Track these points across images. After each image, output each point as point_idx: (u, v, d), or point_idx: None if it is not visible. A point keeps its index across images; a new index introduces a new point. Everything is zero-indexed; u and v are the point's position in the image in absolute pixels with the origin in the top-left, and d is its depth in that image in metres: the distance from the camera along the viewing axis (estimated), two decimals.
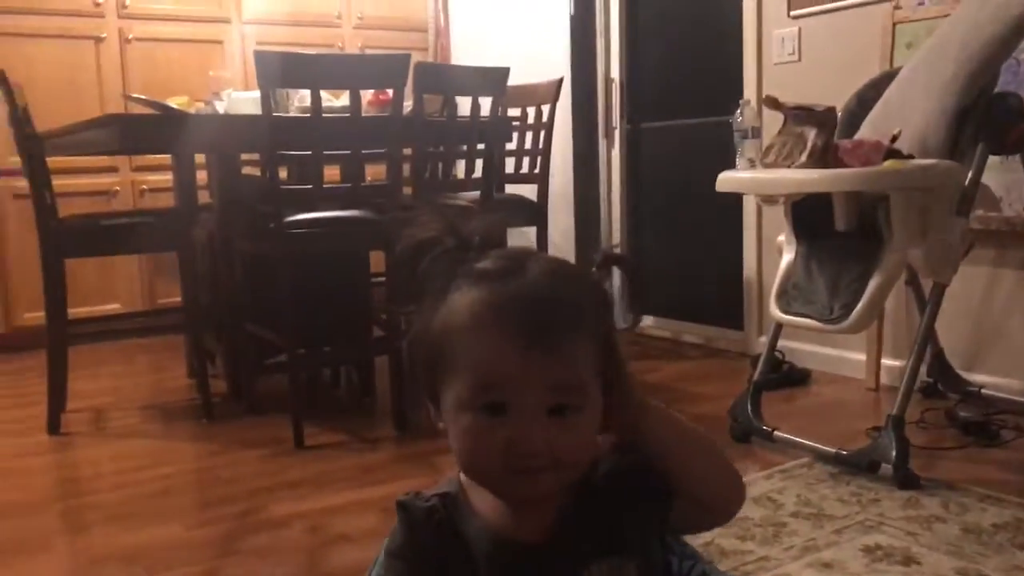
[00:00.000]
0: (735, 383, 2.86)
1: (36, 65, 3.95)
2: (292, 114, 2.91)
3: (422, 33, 5.01)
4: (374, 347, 3.17)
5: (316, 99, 2.51)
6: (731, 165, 2.60)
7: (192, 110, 3.22)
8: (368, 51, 4.82)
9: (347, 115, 2.61)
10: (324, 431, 2.74)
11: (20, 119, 2.80)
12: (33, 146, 2.83)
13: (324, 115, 2.56)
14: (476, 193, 3.07)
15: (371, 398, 3.17)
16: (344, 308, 3.08)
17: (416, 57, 4.80)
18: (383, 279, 3.14)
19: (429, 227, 0.79)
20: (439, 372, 0.73)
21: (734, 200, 3.42)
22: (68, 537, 2.15)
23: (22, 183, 3.35)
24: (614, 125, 4.22)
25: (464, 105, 2.90)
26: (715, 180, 2.48)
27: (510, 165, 3.63)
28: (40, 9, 4.11)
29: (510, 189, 3.67)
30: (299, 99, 3.01)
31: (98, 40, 4.24)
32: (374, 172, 3.28)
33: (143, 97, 3.23)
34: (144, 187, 4.27)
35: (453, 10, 5.06)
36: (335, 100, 2.96)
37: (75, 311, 3.06)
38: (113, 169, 4.21)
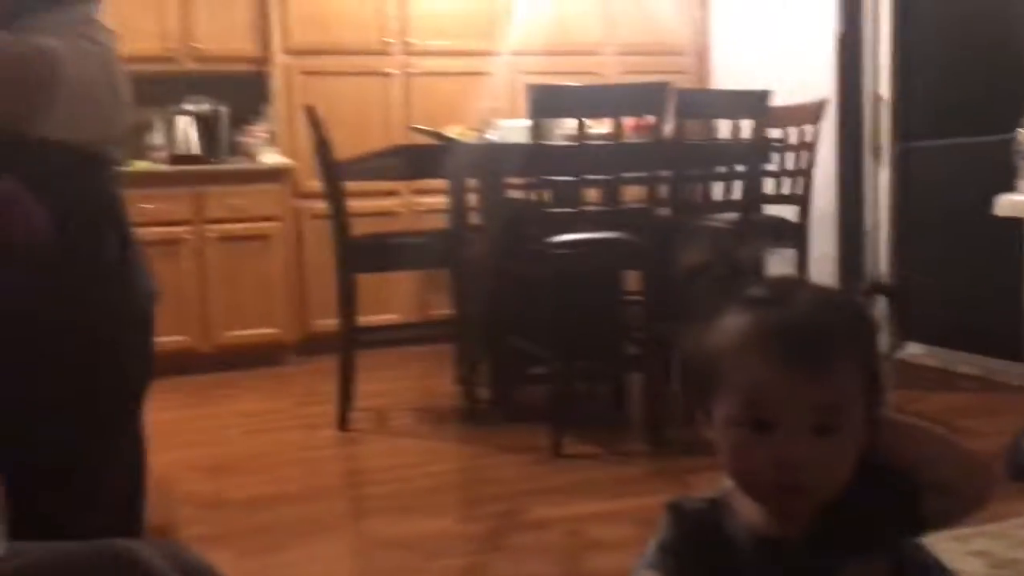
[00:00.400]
0: (1015, 419, 2.68)
1: (334, 100, 4.42)
2: (557, 141, 3.08)
3: (683, 57, 5.07)
4: (630, 363, 3.26)
5: (581, 128, 2.65)
6: (1012, 187, 2.45)
7: (467, 139, 3.50)
8: (629, 77, 4.94)
9: (610, 142, 2.73)
10: (580, 442, 2.87)
11: (324, 149, 3.18)
12: (333, 173, 3.20)
13: (588, 142, 2.70)
14: (734, 215, 3.10)
15: (624, 413, 3.27)
16: (600, 324, 3.21)
17: (677, 81, 4.89)
18: (637, 297, 3.24)
19: (702, 252, 0.87)
20: (710, 388, 0.81)
21: (1014, 224, 3.19)
22: (353, 522, 2.42)
23: (319, 205, 3.78)
24: (883, 145, 4.06)
25: (725, 128, 2.94)
26: (993, 203, 2.36)
27: (771, 186, 3.61)
28: (340, 49, 4.60)
29: (771, 210, 3.64)
30: (563, 126, 3.18)
31: (386, 76, 4.69)
32: (632, 194, 3.39)
33: (425, 128, 3.54)
34: (421, 208, 4.64)
35: (714, 33, 5.09)
36: (596, 127, 3.10)
37: (358, 320, 3.40)
38: (395, 193, 4.62)
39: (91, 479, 1.18)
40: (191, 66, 4.49)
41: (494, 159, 2.98)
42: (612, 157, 2.72)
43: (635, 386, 3.22)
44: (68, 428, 1.13)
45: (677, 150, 2.87)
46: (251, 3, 4.54)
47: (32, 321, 1.09)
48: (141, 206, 3.93)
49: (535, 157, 2.73)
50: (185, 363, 4.15)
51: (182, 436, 3.15)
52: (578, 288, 3.04)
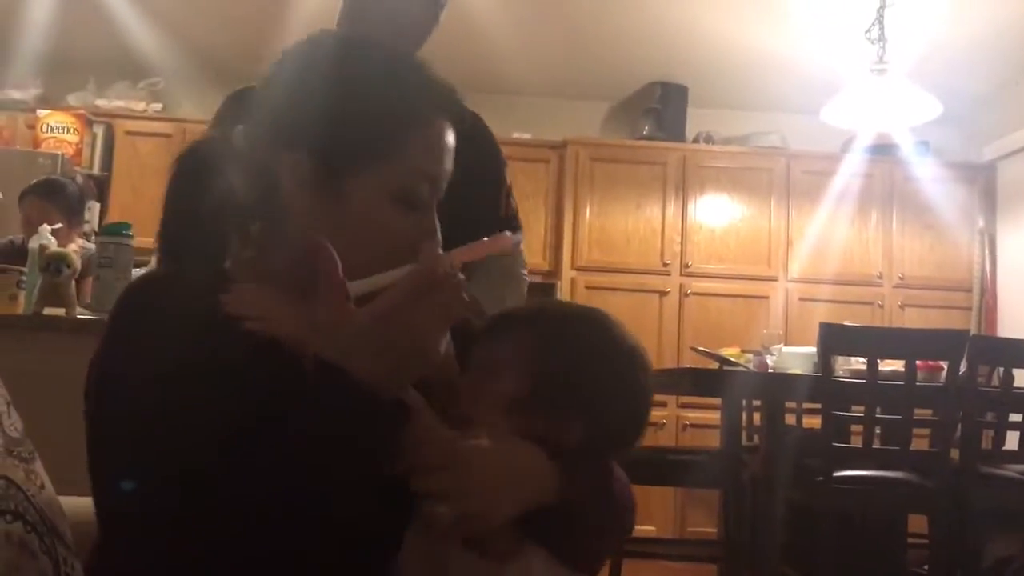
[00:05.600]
0: None
1: (612, 312, 4.70)
2: (841, 374, 3.14)
3: (966, 292, 4.99)
4: None
5: (873, 367, 2.72)
6: None
7: (742, 360, 3.63)
8: (908, 308, 4.93)
9: (900, 383, 2.76)
10: None
11: None
12: None
13: (880, 382, 2.75)
14: None
15: None
16: (879, 565, 3.11)
17: (958, 316, 4.82)
18: (921, 541, 3.13)
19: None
20: None
21: None
22: None
23: None
24: None
25: (1022, 376, 2.89)
26: None
27: None
28: (621, 268, 4.97)
29: None
30: (845, 361, 3.23)
31: (663, 294, 4.97)
32: (920, 433, 3.34)
33: (705, 350, 3.72)
34: (687, 422, 4.76)
35: (1001, 270, 4.98)
36: (885, 364, 3.14)
37: None
38: (663, 404, 4.78)
39: None
40: None
41: (780, 388, 3.08)
42: (903, 397, 2.75)
43: None
44: None
45: (969, 395, 2.84)
46: (549, 226, 5.07)
47: None
48: None
49: (823, 390, 2.81)
50: None
51: None
52: (859, 524, 3.00)
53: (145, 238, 2.30)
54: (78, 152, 4.57)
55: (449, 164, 0.96)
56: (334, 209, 0.91)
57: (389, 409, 0.80)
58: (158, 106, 4.99)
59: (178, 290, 0.91)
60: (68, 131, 4.59)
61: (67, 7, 4.44)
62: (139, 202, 4.54)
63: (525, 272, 1.77)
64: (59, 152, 4.38)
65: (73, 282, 2.15)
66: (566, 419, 0.92)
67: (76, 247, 2.83)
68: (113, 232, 2.23)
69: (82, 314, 2.15)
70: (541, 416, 0.91)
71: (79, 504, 1.09)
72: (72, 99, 4.85)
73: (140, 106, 4.93)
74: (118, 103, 4.91)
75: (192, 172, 0.99)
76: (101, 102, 4.87)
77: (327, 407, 0.80)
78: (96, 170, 4.71)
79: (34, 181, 3.38)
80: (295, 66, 0.96)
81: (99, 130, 4.77)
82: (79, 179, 4.05)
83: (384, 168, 0.91)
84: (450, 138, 0.95)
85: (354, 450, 0.80)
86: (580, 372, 0.93)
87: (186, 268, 0.97)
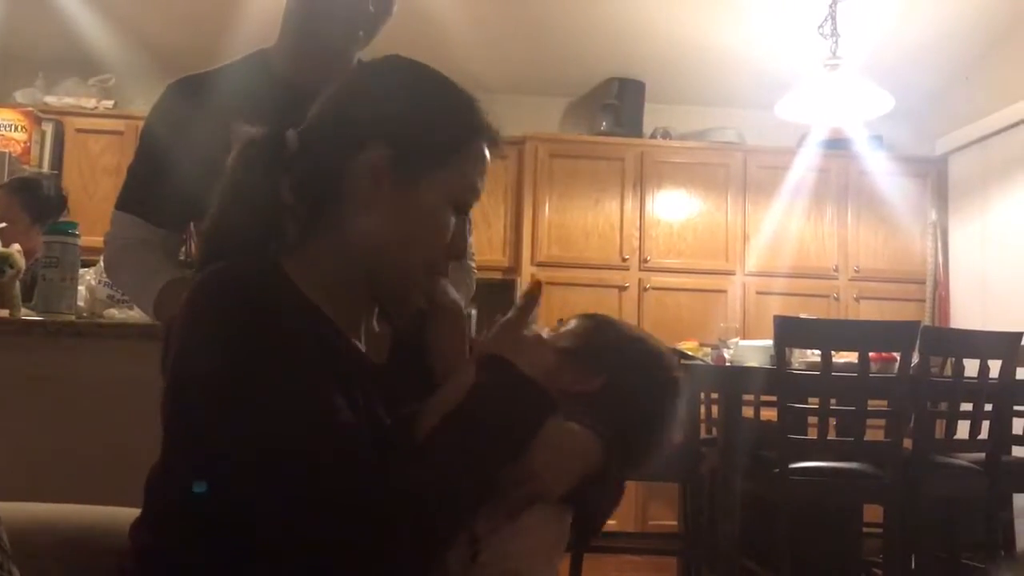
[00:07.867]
0: None
1: (572, 307, 4.70)
2: (797, 366, 3.17)
3: (920, 284, 5.07)
4: None
5: (827, 359, 2.75)
6: None
7: (700, 354, 3.65)
8: (863, 301, 5.01)
9: (854, 375, 2.80)
10: None
11: None
12: None
13: (834, 373, 2.78)
14: (980, 455, 3.02)
15: None
16: (835, 555, 3.16)
17: (912, 308, 4.90)
18: (876, 531, 3.17)
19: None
20: None
21: None
22: None
23: None
24: None
25: (972, 365, 2.94)
26: None
27: (1020, 426, 3.48)
28: (580, 263, 4.98)
29: (1019, 452, 3.50)
30: (801, 353, 3.27)
31: (621, 289, 4.99)
32: (873, 423, 3.38)
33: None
34: None
35: (953, 262, 5.07)
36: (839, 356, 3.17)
37: None
38: None
39: None
40: None
41: (737, 381, 3.10)
42: (857, 389, 2.78)
43: None
44: None
45: (922, 385, 2.88)
46: (508, 222, 5.06)
47: None
48: None
49: (778, 383, 2.84)
50: None
51: None
52: (817, 515, 3.04)
53: (95, 237, 2.27)
54: (27, 150, 4.47)
55: (485, 182, 1.07)
56: (404, 202, 1.00)
57: (548, 397, 0.98)
58: (109, 103, 4.90)
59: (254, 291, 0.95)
60: (16, 128, 4.49)
61: (14, 1, 4.35)
62: (90, 201, 4.46)
63: (473, 263, 1.85)
64: (6, 150, 4.28)
65: (17, 282, 2.10)
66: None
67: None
68: (59, 231, 2.18)
69: (27, 315, 2.10)
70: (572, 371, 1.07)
71: (18, 509, 1.06)
72: (20, 96, 4.74)
73: (91, 103, 4.84)
74: (68, 100, 4.81)
75: (246, 169, 1.02)
76: (50, 99, 4.77)
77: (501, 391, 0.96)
78: (46, 168, 4.62)
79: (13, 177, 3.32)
80: (361, 76, 1.09)
81: (48, 127, 4.67)
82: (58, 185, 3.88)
83: (450, 172, 1.02)
84: (488, 158, 1.06)
85: (519, 431, 0.96)
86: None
87: (246, 265, 0.98)
